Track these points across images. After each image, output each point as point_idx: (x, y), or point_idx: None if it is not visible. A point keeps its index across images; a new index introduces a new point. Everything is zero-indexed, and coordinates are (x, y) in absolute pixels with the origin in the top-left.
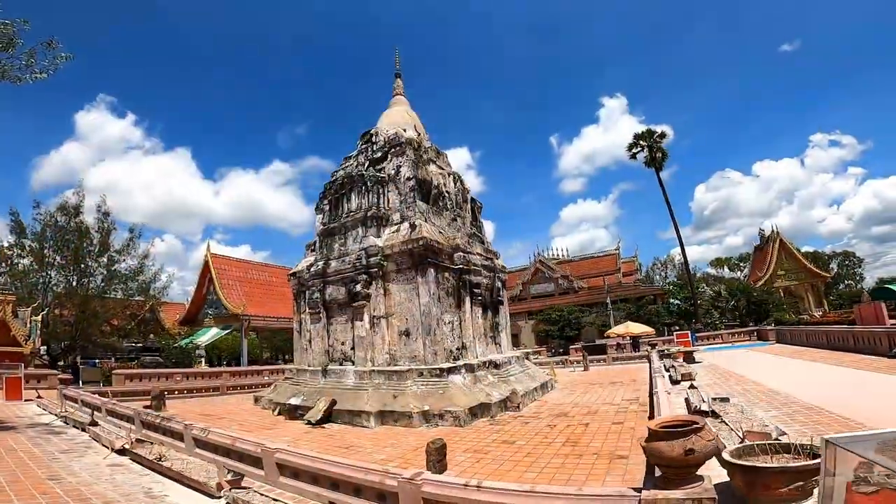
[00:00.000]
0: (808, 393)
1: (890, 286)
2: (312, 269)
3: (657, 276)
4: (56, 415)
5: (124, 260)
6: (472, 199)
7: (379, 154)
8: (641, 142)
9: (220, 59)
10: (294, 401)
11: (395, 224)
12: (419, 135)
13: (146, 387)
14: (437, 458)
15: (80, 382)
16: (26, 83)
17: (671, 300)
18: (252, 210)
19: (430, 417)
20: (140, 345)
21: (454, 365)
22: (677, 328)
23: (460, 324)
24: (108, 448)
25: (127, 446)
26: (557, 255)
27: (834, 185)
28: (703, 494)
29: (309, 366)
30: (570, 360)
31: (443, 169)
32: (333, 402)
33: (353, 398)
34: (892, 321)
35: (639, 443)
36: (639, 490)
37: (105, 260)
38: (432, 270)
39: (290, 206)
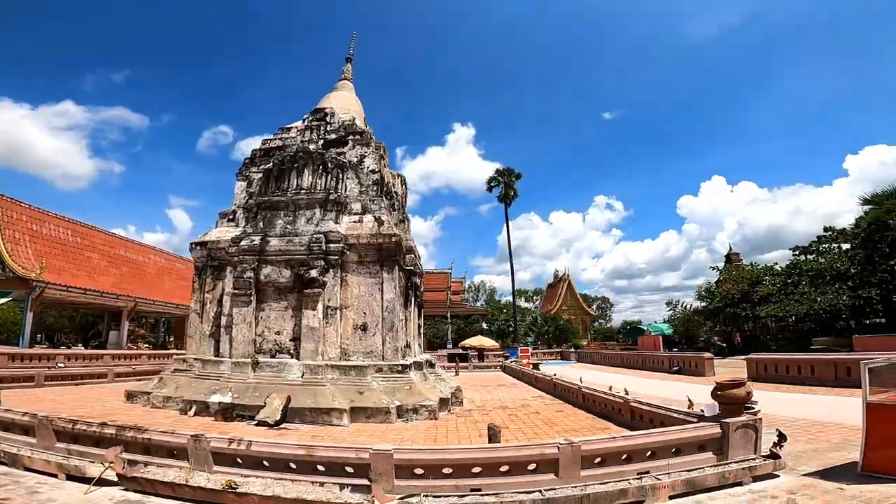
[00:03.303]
0: (644, 389)
1: (639, 326)
2: (244, 244)
3: (469, 298)
4: None
5: None
6: None
7: (334, 136)
8: (500, 178)
9: None
10: (220, 399)
11: (356, 214)
12: (367, 127)
13: None
14: (497, 439)
15: None
16: None
17: (493, 320)
18: (6, 149)
19: (403, 413)
20: None
21: (409, 362)
22: (516, 345)
23: (405, 323)
24: (55, 475)
25: (117, 472)
26: None
27: (599, 241)
28: (756, 417)
29: (227, 356)
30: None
31: (387, 168)
32: (289, 400)
33: (311, 395)
34: (632, 348)
35: (712, 391)
36: (714, 420)
37: None
38: (397, 268)
39: (70, 155)
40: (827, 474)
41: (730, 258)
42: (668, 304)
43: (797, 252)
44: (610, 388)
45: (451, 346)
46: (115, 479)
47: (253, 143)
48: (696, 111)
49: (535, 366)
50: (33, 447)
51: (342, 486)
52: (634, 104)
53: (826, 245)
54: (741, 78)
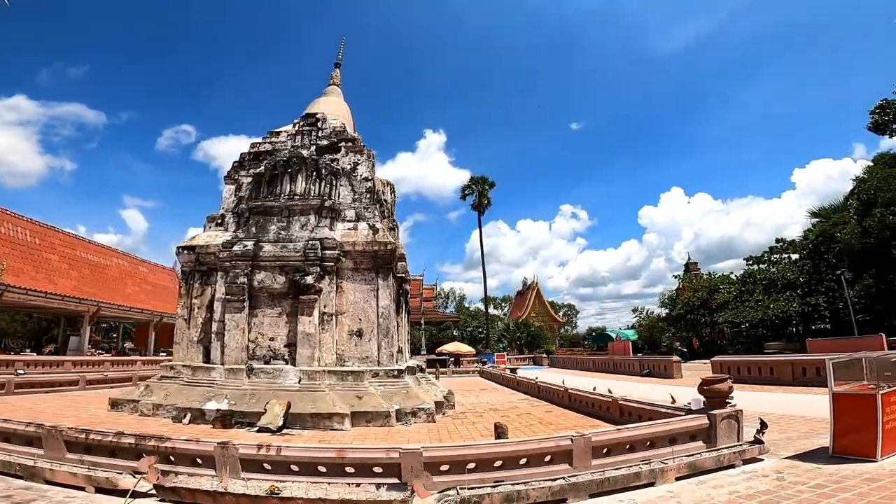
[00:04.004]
0: (622, 390)
1: (606, 333)
2: (236, 249)
3: (439, 305)
4: None
5: None
6: None
7: (326, 142)
8: (474, 186)
9: None
10: (216, 406)
11: (350, 221)
12: (356, 133)
13: None
14: (505, 437)
15: None
16: None
17: (465, 327)
18: None
19: (402, 416)
20: None
21: (404, 367)
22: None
23: (398, 329)
24: (82, 488)
25: (154, 483)
26: None
27: (565, 250)
28: (736, 408)
29: (219, 363)
30: None
31: (376, 175)
32: (289, 406)
33: (310, 400)
34: (603, 353)
35: (698, 385)
36: (702, 412)
37: None
38: (392, 275)
39: (19, 152)
40: (804, 457)
41: (688, 267)
42: (634, 310)
43: (750, 262)
44: (594, 389)
45: (424, 352)
46: (150, 490)
47: (217, 144)
48: (658, 122)
49: (513, 370)
50: (42, 458)
51: (378, 486)
52: (601, 115)
53: (777, 255)
54: (700, 91)
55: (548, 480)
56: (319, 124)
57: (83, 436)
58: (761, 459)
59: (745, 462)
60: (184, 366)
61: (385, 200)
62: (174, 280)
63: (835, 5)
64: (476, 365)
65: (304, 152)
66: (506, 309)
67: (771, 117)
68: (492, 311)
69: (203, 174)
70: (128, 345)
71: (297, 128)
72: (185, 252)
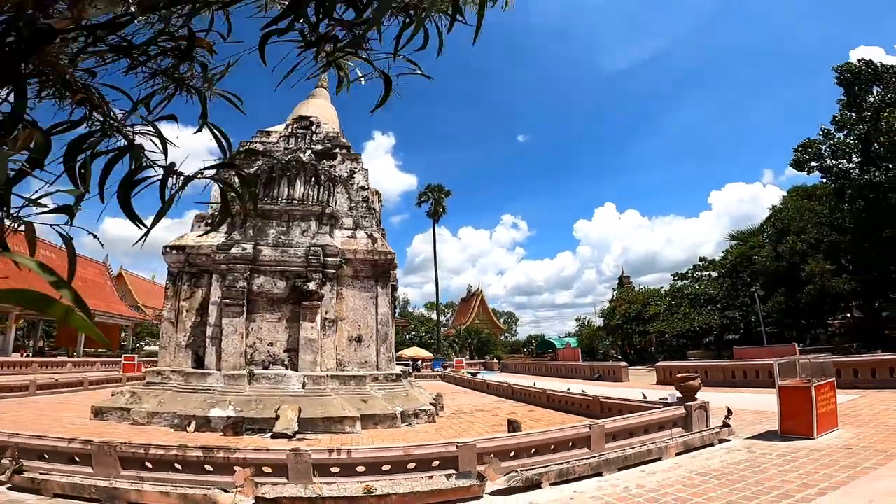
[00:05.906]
0: (592, 391)
1: (549, 340)
2: (234, 251)
3: None
4: None
5: None
6: None
7: (320, 147)
8: (430, 194)
9: None
10: (223, 413)
11: (348, 229)
12: (346, 140)
13: None
14: (519, 430)
15: None
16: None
17: (413, 332)
18: None
19: (405, 418)
20: None
21: (400, 371)
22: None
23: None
24: None
25: (255, 496)
26: None
27: (503, 259)
28: (704, 401)
29: (215, 368)
30: None
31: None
32: (300, 410)
33: (319, 405)
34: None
35: (676, 382)
36: (679, 404)
37: None
38: (390, 284)
39: None
40: (761, 437)
41: (622, 281)
42: (577, 319)
43: (676, 277)
44: (568, 390)
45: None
46: (238, 502)
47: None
48: (599, 138)
49: (474, 375)
50: (90, 477)
51: (448, 476)
52: (547, 128)
53: (700, 273)
54: (638, 110)
55: (586, 459)
56: (313, 128)
57: (142, 451)
58: (730, 439)
59: (720, 441)
60: (173, 371)
61: (374, 209)
62: (104, 275)
63: (750, 42)
64: (438, 370)
65: (303, 157)
66: (449, 315)
67: (695, 140)
68: (434, 316)
69: None
70: (41, 345)
71: (289, 130)
72: (174, 252)
